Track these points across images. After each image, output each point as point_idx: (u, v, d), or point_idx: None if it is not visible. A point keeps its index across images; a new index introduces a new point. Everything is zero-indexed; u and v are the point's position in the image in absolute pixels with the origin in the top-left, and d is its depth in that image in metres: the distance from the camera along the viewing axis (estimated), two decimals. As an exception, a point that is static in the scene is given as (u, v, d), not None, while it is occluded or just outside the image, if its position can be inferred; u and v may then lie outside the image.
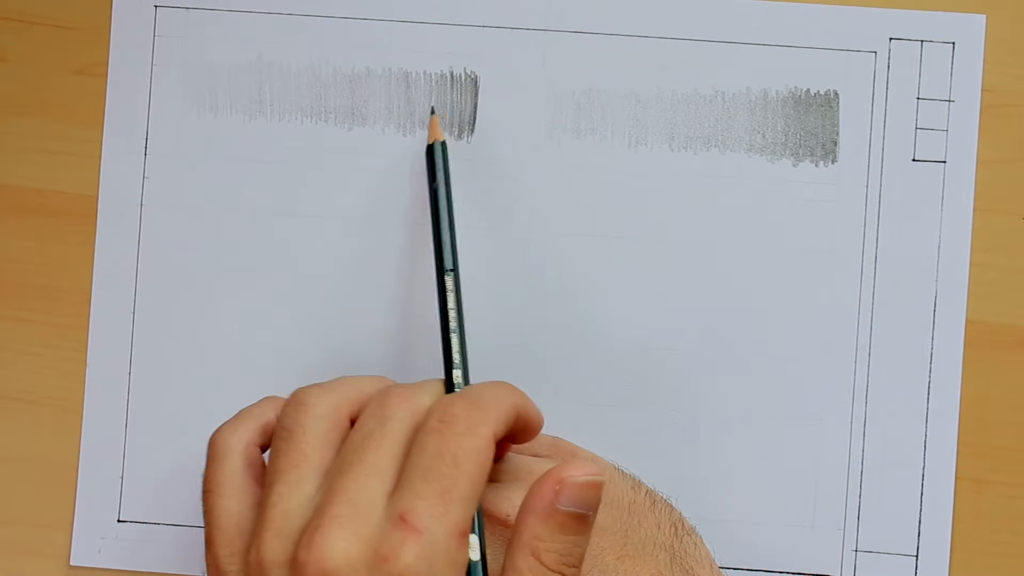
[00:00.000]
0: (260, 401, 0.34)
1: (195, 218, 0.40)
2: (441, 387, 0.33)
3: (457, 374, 0.34)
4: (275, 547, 0.29)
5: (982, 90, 0.39)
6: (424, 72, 0.40)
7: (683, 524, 0.36)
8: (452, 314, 0.34)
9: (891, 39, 0.39)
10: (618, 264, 0.39)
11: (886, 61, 0.39)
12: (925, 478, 0.39)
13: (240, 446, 0.32)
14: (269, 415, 0.33)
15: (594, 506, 0.29)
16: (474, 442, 0.29)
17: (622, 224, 0.40)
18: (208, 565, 0.31)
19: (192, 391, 0.40)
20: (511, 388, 0.31)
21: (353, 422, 0.32)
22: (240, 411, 0.34)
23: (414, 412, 0.30)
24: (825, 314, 0.39)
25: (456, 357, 0.34)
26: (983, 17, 0.39)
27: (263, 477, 0.32)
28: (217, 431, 0.33)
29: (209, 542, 0.31)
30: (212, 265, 0.40)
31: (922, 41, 0.39)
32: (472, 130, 0.40)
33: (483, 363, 0.39)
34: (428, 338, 0.40)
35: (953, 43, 0.39)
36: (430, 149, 0.37)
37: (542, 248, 0.40)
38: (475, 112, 0.40)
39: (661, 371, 0.39)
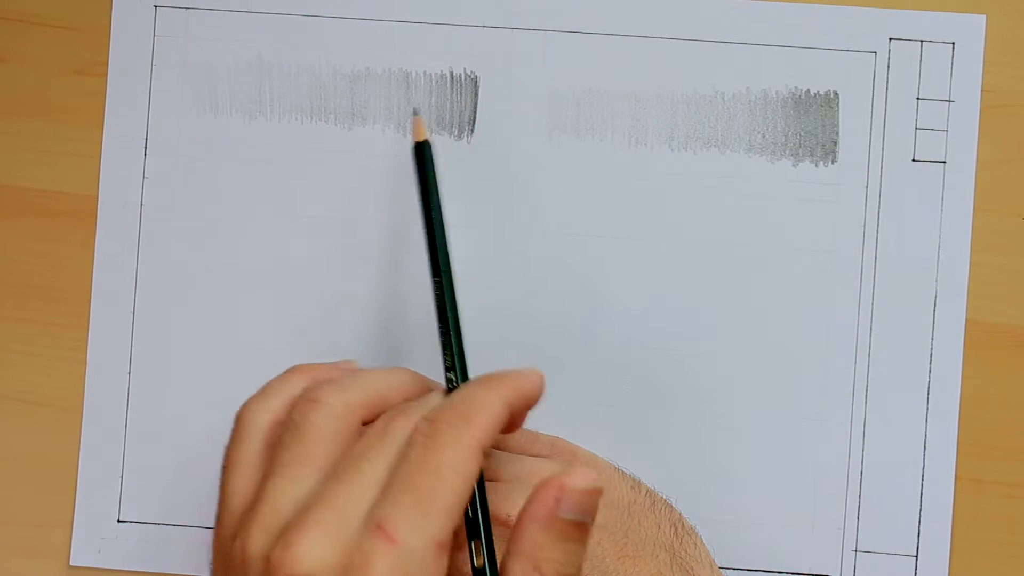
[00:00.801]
0: (288, 372, 0.34)
1: (195, 218, 0.40)
2: (443, 397, 0.33)
3: (451, 377, 0.33)
4: (259, 540, 0.28)
5: (982, 90, 0.39)
6: (424, 72, 0.40)
7: (683, 524, 0.36)
8: (446, 316, 0.34)
9: (891, 39, 0.39)
10: (618, 264, 0.39)
11: (886, 61, 0.39)
12: (925, 478, 0.39)
13: (264, 425, 0.32)
14: (296, 389, 0.33)
15: (593, 513, 0.29)
16: (457, 453, 0.28)
17: (622, 224, 0.40)
18: (213, 541, 0.31)
19: (192, 391, 0.40)
20: (499, 385, 0.31)
21: (365, 423, 0.32)
22: (268, 384, 0.34)
23: (413, 427, 0.30)
24: (825, 314, 0.39)
25: (448, 360, 0.34)
26: (983, 17, 0.39)
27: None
28: (244, 406, 0.33)
29: (216, 519, 0.31)
30: (212, 265, 0.40)
31: (922, 41, 0.39)
32: (472, 130, 0.40)
33: (483, 363, 0.39)
34: (428, 336, 0.40)
35: (953, 43, 0.39)
36: (416, 149, 0.36)
37: (542, 248, 0.40)
38: (475, 112, 0.40)
39: (661, 371, 0.39)
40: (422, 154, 0.36)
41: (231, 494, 0.31)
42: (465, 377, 0.34)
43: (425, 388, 0.34)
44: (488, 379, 0.32)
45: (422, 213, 0.35)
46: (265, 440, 0.32)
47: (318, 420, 0.30)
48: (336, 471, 0.29)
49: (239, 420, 0.33)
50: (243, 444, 0.32)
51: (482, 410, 0.30)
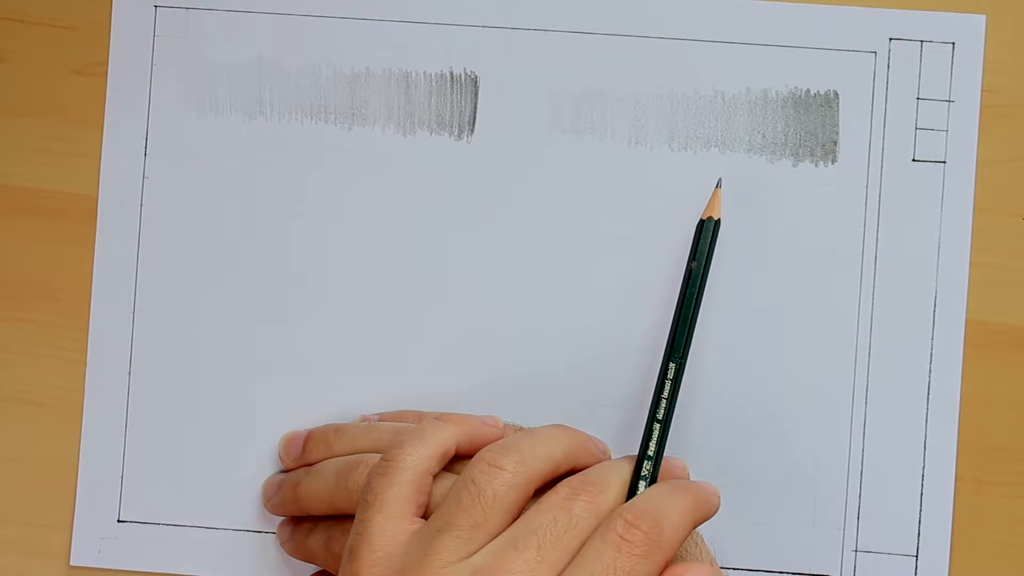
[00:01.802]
0: (446, 422, 0.34)
1: (195, 218, 0.40)
2: (627, 474, 0.33)
3: (647, 466, 0.33)
4: None
5: (982, 90, 0.39)
6: (424, 72, 0.40)
7: (684, 524, 0.36)
8: (663, 403, 0.34)
9: (891, 39, 0.39)
10: (618, 264, 0.39)
11: (886, 61, 0.39)
12: (925, 478, 0.39)
13: (419, 470, 0.32)
14: (451, 443, 0.33)
15: None
16: (647, 568, 0.29)
17: (622, 224, 0.40)
18: (345, 573, 0.31)
19: (192, 391, 0.40)
20: (693, 500, 0.32)
21: (537, 492, 0.32)
22: (426, 430, 0.34)
23: (599, 513, 0.31)
24: (825, 314, 0.39)
25: (652, 448, 0.34)
26: (983, 17, 0.39)
27: (424, 506, 0.32)
28: (400, 446, 0.33)
29: (354, 553, 0.31)
30: (212, 265, 0.40)
31: (922, 41, 0.39)
32: (472, 130, 0.40)
33: (484, 362, 0.40)
34: (424, 338, 0.40)
35: (953, 43, 0.39)
36: (701, 225, 0.36)
37: (542, 248, 0.40)
38: (475, 112, 0.40)
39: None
40: (709, 233, 0.35)
41: (376, 532, 0.31)
42: (657, 472, 0.34)
43: (588, 449, 0.34)
44: (684, 490, 0.32)
45: (682, 291, 0.35)
46: (416, 485, 0.32)
47: (501, 489, 0.31)
48: (516, 540, 0.30)
49: (393, 459, 0.33)
50: (396, 485, 0.32)
51: (678, 529, 0.30)
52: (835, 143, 0.39)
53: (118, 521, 0.40)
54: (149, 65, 0.40)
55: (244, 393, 0.40)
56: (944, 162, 0.39)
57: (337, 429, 0.38)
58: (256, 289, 0.40)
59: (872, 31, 0.39)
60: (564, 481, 0.32)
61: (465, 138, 0.40)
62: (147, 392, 0.40)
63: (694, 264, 0.35)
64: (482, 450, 0.32)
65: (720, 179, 0.37)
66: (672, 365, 0.34)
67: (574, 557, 0.30)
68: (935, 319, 0.39)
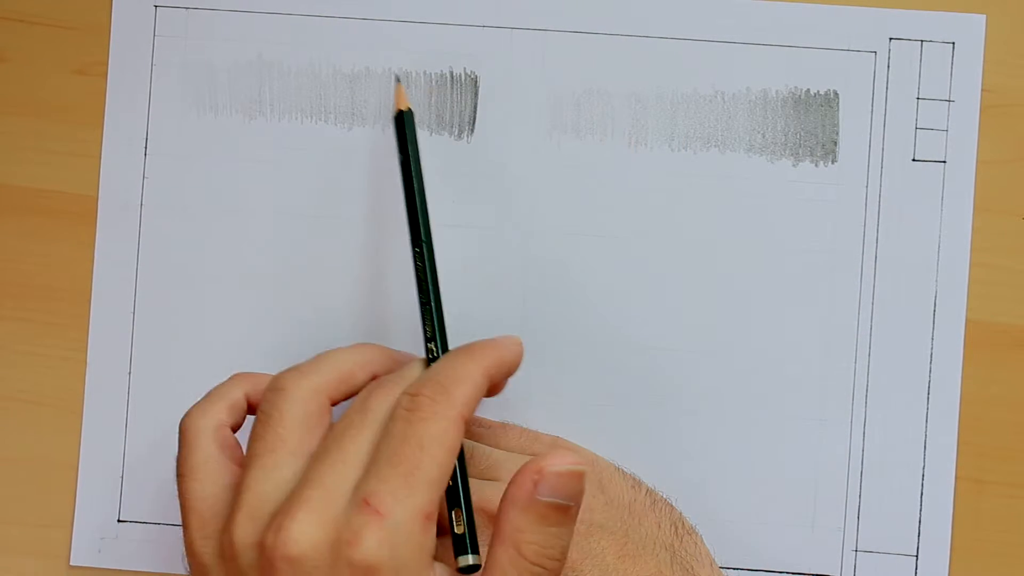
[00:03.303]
0: (229, 380, 0.34)
1: (195, 218, 0.40)
2: (422, 368, 0.33)
3: (432, 347, 0.34)
4: (247, 529, 0.29)
5: (982, 90, 0.39)
6: (424, 72, 0.40)
7: (683, 523, 0.36)
8: (426, 286, 0.34)
9: (891, 39, 0.39)
10: (618, 264, 0.39)
11: (886, 61, 0.39)
12: (925, 478, 0.39)
13: (210, 429, 0.33)
14: (237, 394, 0.34)
15: (576, 496, 0.29)
16: (440, 426, 0.29)
17: (622, 224, 0.40)
18: (185, 548, 0.31)
19: (192, 391, 0.40)
20: (479, 355, 0.31)
21: (334, 403, 0.32)
22: (209, 392, 0.34)
23: (394, 401, 0.31)
24: (825, 314, 0.39)
25: (429, 331, 0.34)
26: (983, 17, 0.39)
27: (239, 458, 0.32)
28: (187, 415, 0.33)
29: (185, 526, 0.31)
30: (212, 265, 0.40)
31: (922, 41, 0.39)
32: (472, 130, 0.40)
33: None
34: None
35: (953, 43, 0.39)
36: (397, 119, 0.36)
37: (542, 248, 0.40)
38: (475, 112, 0.40)
39: (661, 371, 0.39)
40: (403, 123, 0.36)
41: (194, 498, 0.31)
42: (445, 348, 0.34)
43: (395, 361, 0.34)
44: (468, 349, 0.32)
45: (403, 183, 0.35)
46: (216, 442, 0.32)
47: (285, 407, 0.31)
48: (318, 451, 0.30)
49: (184, 428, 0.33)
50: (195, 450, 0.32)
51: (463, 382, 0.30)
52: (835, 143, 0.39)
53: (118, 521, 0.40)
54: (149, 65, 0.40)
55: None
56: (944, 162, 0.39)
57: None
58: (256, 289, 0.40)
59: (872, 31, 0.39)
60: (362, 390, 0.32)
61: (465, 138, 0.40)
62: (147, 392, 0.40)
63: (404, 156, 0.36)
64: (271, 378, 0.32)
65: (397, 75, 0.39)
66: (417, 250, 0.34)
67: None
68: (935, 319, 0.39)
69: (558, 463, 0.29)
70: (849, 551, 0.39)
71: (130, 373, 0.40)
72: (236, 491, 0.30)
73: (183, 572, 0.40)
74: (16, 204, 0.40)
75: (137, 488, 0.40)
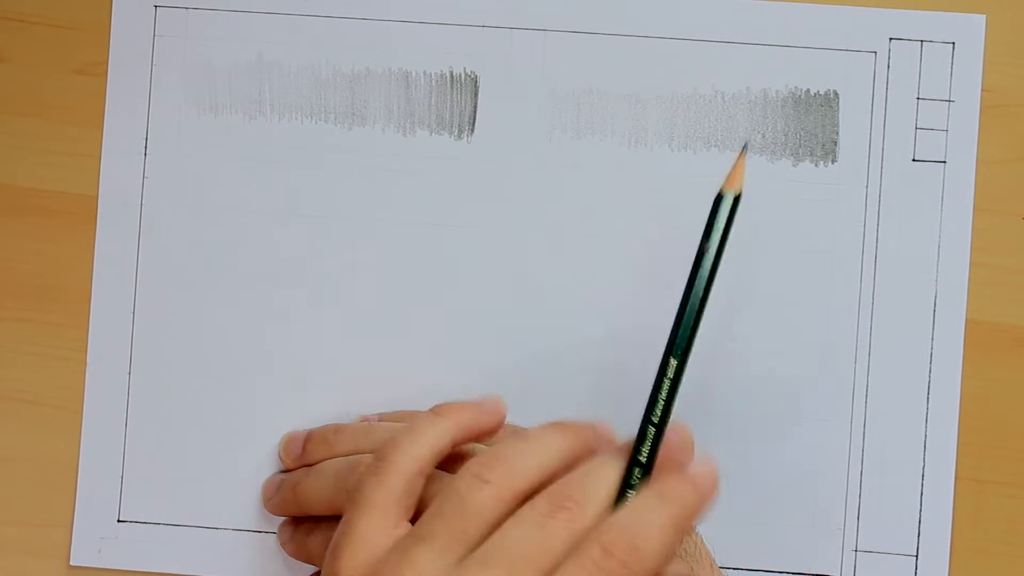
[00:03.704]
0: (434, 416, 0.33)
1: (195, 218, 0.40)
2: (614, 483, 0.30)
3: (638, 473, 0.30)
4: None
5: (982, 90, 0.39)
6: (424, 72, 0.40)
7: (684, 524, 0.36)
8: (660, 404, 0.30)
9: (891, 39, 0.39)
10: (618, 264, 0.39)
11: (886, 61, 0.39)
12: (925, 478, 0.39)
13: (411, 471, 0.31)
14: (445, 440, 0.33)
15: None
16: None
17: (622, 224, 0.40)
18: (326, 571, 0.31)
19: (192, 391, 0.40)
20: (670, 498, 0.29)
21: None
22: (416, 427, 0.33)
23: (576, 531, 0.29)
24: (825, 314, 0.39)
25: (644, 454, 0.30)
26: (983, 17, 0.39)
27: (413, 507, 0.31)
28: (393, 445, 0.32)
29: (336, 553, 0.30)
30: (212, 265, 0.40)
31: (922, 41, 0.39)
32: (472, 130, 0.40)
33: (484, 362, 0.39)
34: (424, 338, 0.40)
35: (953, 43, 0.39)
36: (718, 201, 0.30)
37: (542, 248, 0.40)
38: (475, 112, 0.40)
39: (661, 371, 0.39)
40: (727, 209, 0.30)
41: (363, 536, 0.30)
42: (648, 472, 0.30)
43: (586, 448, 0.32)
44: (664, 499, 0.29)
45: (690, 277, 0.30)
46: (405, 488, 0.31)
47: (487, 503, 0.29)
48: (487, 557, 0.29)
49: (386, 459, 0.32)
50: (385, 489, 0.31)
51: (658, 552, 0.28)
52: (835, 143, 0.39)
53: (118, 521, 0.40)
54: (149, 65, 0.40)
55: (244, 393, 0.40)
56: (944, 162, 0.39)
57: (337, 430, 0.38)
58: (256, 289, 0.40)
59: (872, 31, 0.39)
60: (544, 492, 0.30)
61: (465, 138, 0.40)
62: (147, 392, 0.40)
63: (706, 245, 0.29)
64: (471, 460, 0.31)
65: (747, 143, 0.32)
66: (673, 362, 0.30)
67: None
68: (935, 319, 0.39)
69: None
70: (849, 551, 0.39)
71: (130, 373, 0.40)
72: (399, 554, 0.29)
73: (183, 572, 0.40)
74: (16, 204, 0.40)
75: (137, 488, 0.40)
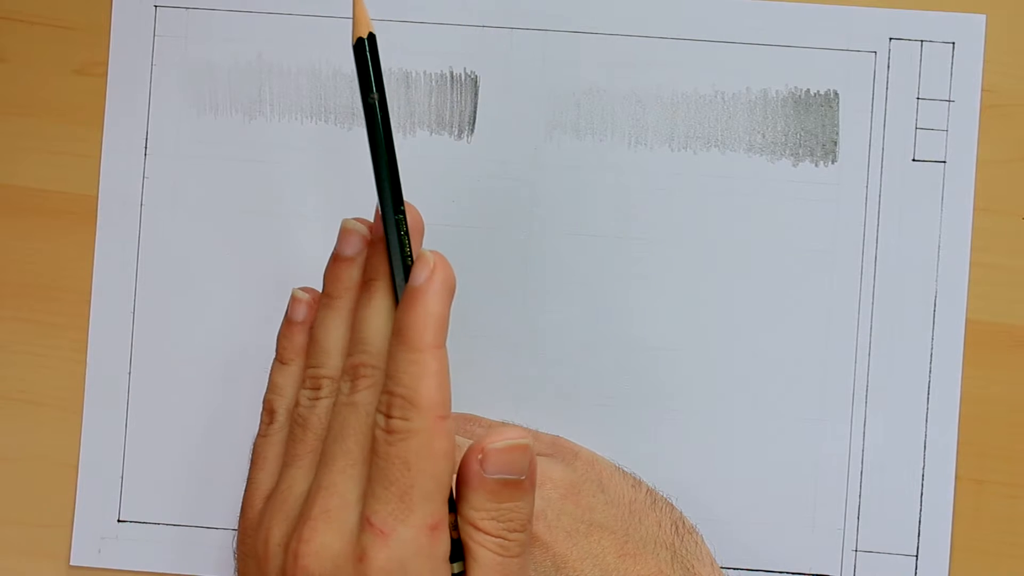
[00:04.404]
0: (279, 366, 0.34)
1: (195, 218, 0.40)
2: (383, 321, 0.31)
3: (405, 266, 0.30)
4: (279, 531, 0.30)
5: (982, 90, 0.39)
6: (424, 72, 0.40)
7: (684, 523, 0.36)
8: (407, 258, 0.31)
9: (891, 39, 0.40)
10: (618, 264, 0.39)
11: (886, 61, 0.39)
12: (925, 478, 0.39)
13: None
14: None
15: (523, 469, 0.29)
16: (419, 440, 0.28)
17: (622, 224, 0.40)
18: (237, 534, 0.32)
19: (192, 391, 0.40)
20: (421, 330, 0.29)
21: None
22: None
23: (380, 389, 0.30)
24: (825, 314, 0.39)
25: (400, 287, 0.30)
26: (983, 17, 0.39)
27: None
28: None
29: (242, 506, 0.33)
30: (212, 265, 0.40)
31: (922, 41, 0.39)
32: (472, 130, 0.40)
33: (484, 362, 0.39)
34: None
35: (953, 43, 0.39)
36: (359, 46, 0.30)
37: (542, 248, 0.40)
38: (475, 112, 0.40)
39: (661, 371, 0.39)
40: (372, 51, 0.30)
41: (254, 482, 0.32)
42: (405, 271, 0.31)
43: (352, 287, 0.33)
44: (402, 336, 0.29)
45: (369, 132, 0.31)
46: (281, 430, 0.33)
47: (324, 414, 0.31)
48: (325, 457, 0.30)
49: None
50: (272, 438, 0.33)
51: (424, 381, 0.29)
52: (835, 143, 0.40)
53: (118, 521, 0.40)
54: (149, 65, 0.40)
55: (244, 393, 0.40)
56: (944, 162, 0.39)
57: None
58: (256, 289, 0.40)
59: (872, 31, 0.39)
60: (343, 371, 0.31)
61: (465, 138, 0.40)
62: (147, 392, 0.40)
63: (374, 96, 0.30)
64: (300, 386, 0.33)
65: None
66: (399, 218, 0.31)
67: None
68: (935, 319, 0.39)
69: (498, 439, 0.29)
70: (849, 551, 0.39)
71: (130, 373, 0.40)
72: (275, 491, 0.31)
73: (183, 572, 0.40)
74: (16, 204, 0.40)
75: (137, 488, 0.40)
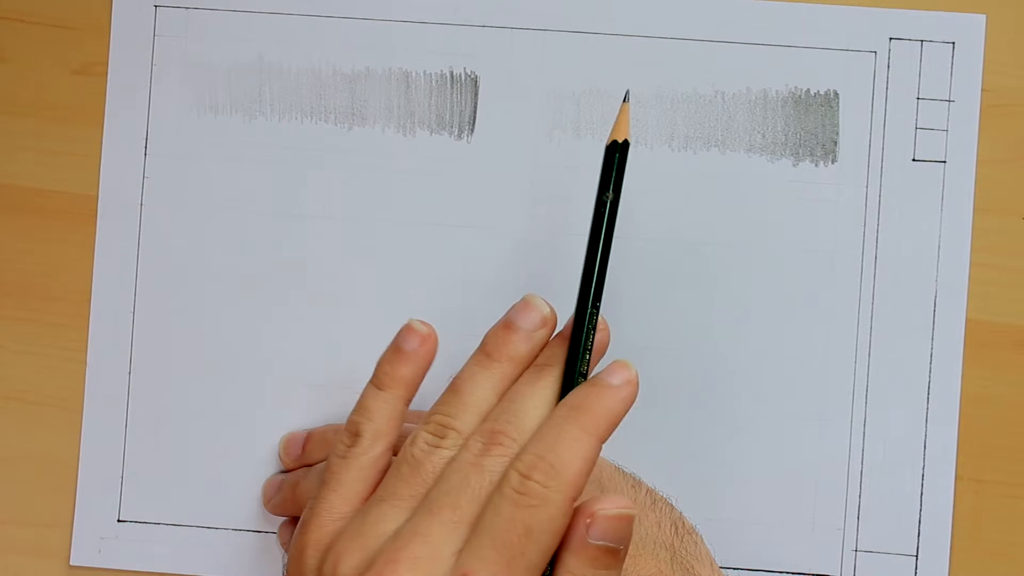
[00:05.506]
0: (382, 393, 0.33)
1: (195, 218, 0.40)
2: (545, 411, 0.31)
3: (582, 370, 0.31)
4: (356, 561, 0.29)
5: (982, 90, 0.39)
6: (424, 72, 0.40)
7: (683, 523, 0.36)
8: (587, 356, 0.32)
9: (891, 39, 0.40)
10: (618, 264, 0.39)
11: (886, 61, 0.39)
12: (925, 478, 0.39)
13: (378, 452, 0.32)
14: (400, 408, 0.33)
15: (625, 540, 0.29)
16: (549, 513, 0.28)
17: (622, 224, 0.40)
18: (294, 547, 0.31)
19: (192, 391, 0.40)
20: (592, 423, 0.30)
21: None
22: (367, 404, 0.32)
23: (507, 463, 0.29)
24: (825, 314, 0.39)
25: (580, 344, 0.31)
26: (983, 17, 0.39)
27: (377, 483, 0.32)
28: (355, 423, 0.32)
29: (303, 528, 0.31)
30: (212, 265, 0.40)
31: (922, 41, 0.39)
32: (472, 130, 0.40)
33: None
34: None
35: (953, 43, 0.39)
36: (612, 147, 0.32)
37: (542, 248, 0.40)
38: (475, 112, 0.40)
39: (661, 371, 0.39)
40: (623, 157, 0.32)
41: (329, 508, 0.31)
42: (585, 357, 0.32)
43: (513, 370, 0.33)
44: (573, 413, 0.30)
45: (593, 229, 0.32)
46: (372, 464, 0.32)
47: (440, 463, 0.30)
48: (431, 503, 0.29)
49: (353, 442, 0.32)
50: (353, 469, 0.32)
51: (576, 463, 0.29)
52: (835, 143, 0.40)
53: (118, 521, 0.40)
54: (149, 65, 0.40)
55: (244, 393, 0.40)
56: (944, 162, 0.39)
57: (337, 430, 0.38)
58: (256, 289, 0.40)
59: (872, 31, 0.39)
60: (477, 431, 0.31)
61: (465, 138, 0.40)
62: (147, 392, 0.40)
63: (608, 195, 0.32)
64: (421, 427, 0.31)
65: (628, 91, 0.33)
66: (594, 312, 0.32)
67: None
68: (935, 319, 0.39)
69: (610, 507, 0.29)
70: (849, 551, 0.39)
71: (130, 373, 0.40)
72: (364, 515, 0.30)
73: (183, 572, 0.40)
74: (16, 204, 0.40)
75: (137, 488, 0.40)
